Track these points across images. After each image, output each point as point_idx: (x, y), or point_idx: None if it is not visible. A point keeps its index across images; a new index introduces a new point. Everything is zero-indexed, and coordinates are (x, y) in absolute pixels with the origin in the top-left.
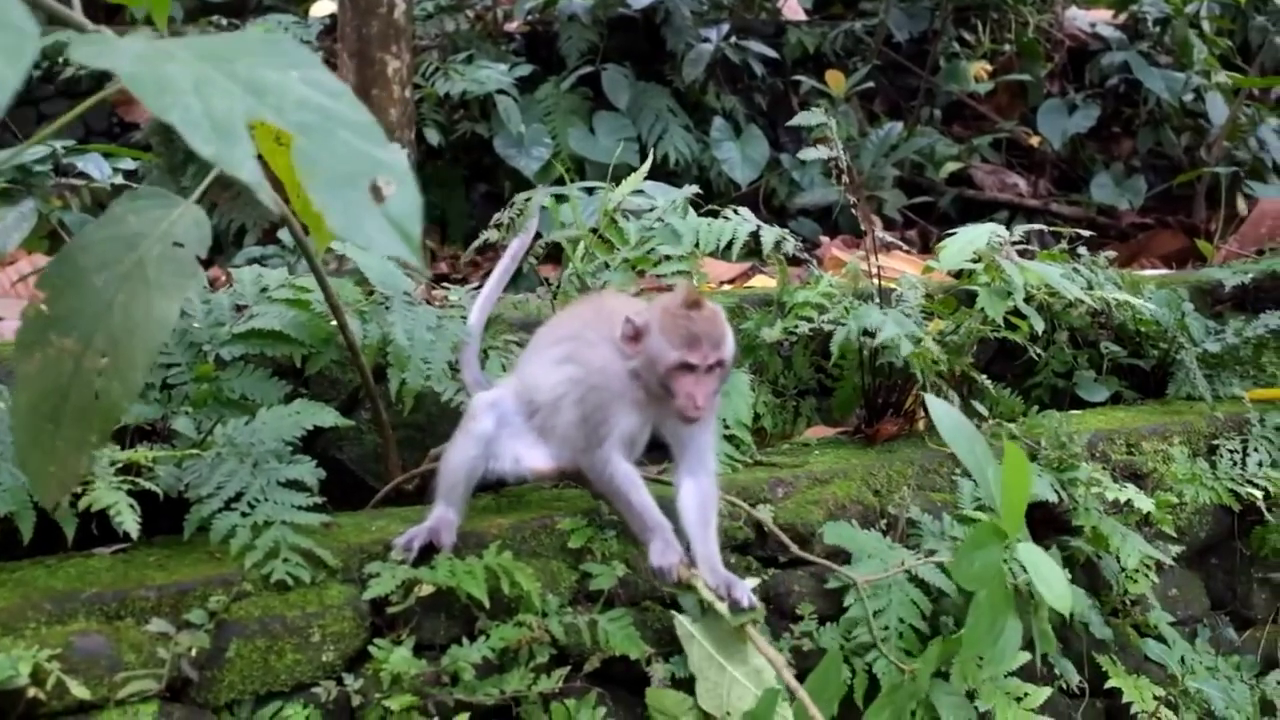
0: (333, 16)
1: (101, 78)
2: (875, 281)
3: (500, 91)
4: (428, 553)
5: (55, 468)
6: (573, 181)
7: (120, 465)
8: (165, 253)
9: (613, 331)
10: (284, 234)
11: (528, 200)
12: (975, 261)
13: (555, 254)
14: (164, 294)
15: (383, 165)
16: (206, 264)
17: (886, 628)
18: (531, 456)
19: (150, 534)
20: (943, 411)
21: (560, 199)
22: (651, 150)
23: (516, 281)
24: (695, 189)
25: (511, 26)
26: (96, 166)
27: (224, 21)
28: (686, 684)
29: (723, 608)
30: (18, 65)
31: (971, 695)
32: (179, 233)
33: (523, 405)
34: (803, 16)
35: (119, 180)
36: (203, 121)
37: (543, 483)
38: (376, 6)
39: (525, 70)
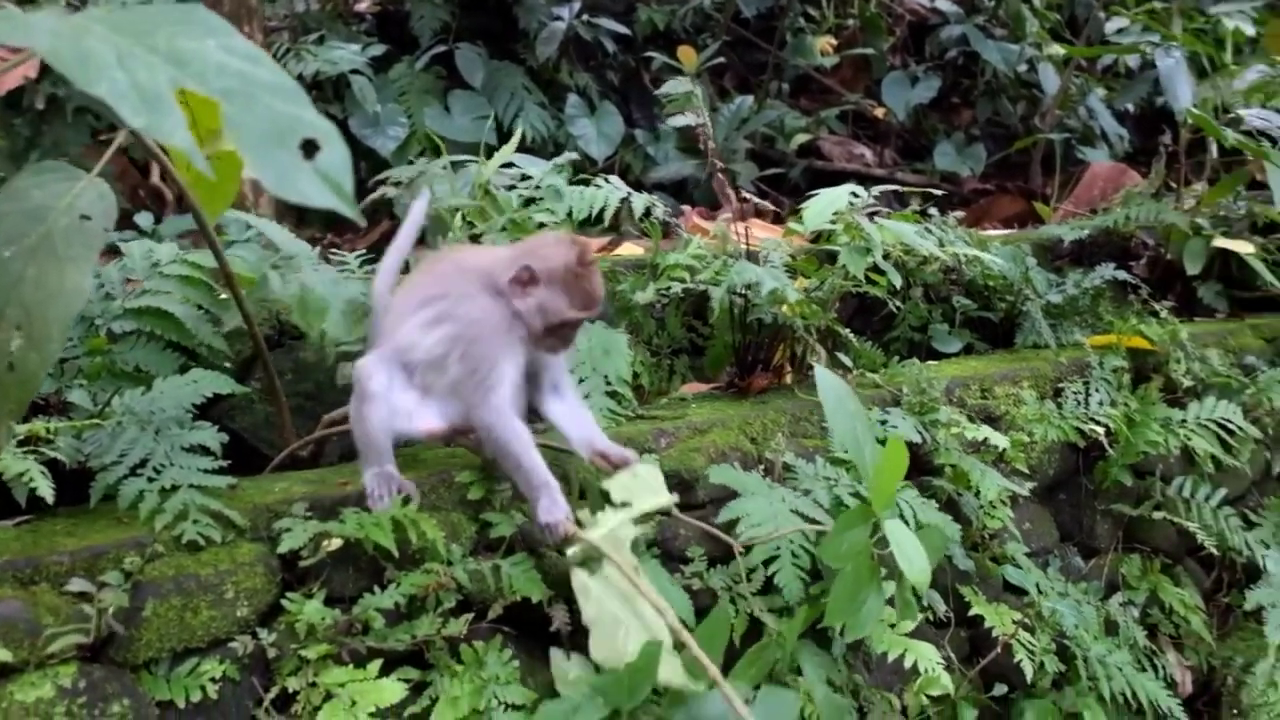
0: None
1: None
2: (744, 243)
3: (354, 71)
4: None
5: None
6: (431, 159)
7: (22, 437)
8: (72, 225)
9: (487, 282)
10: (141, 219)
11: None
12: (834, 223)
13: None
14: (75, 265)
15: (308, 124)
16: None
17: (772, 574)
18: (422, 416)
19: (53, 506)
20: (830, 386)
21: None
22: (509, 127)
23: None
24: (573, 155)
25: (361, 6)
26: None
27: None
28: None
29: (621, 558)
30: None
31: (838, 639)
32: (84, 205)
33: (400, 362)
34: None
35: None
36: (130, 94)
37: (436, 442)
38: None
39: (378, 50)
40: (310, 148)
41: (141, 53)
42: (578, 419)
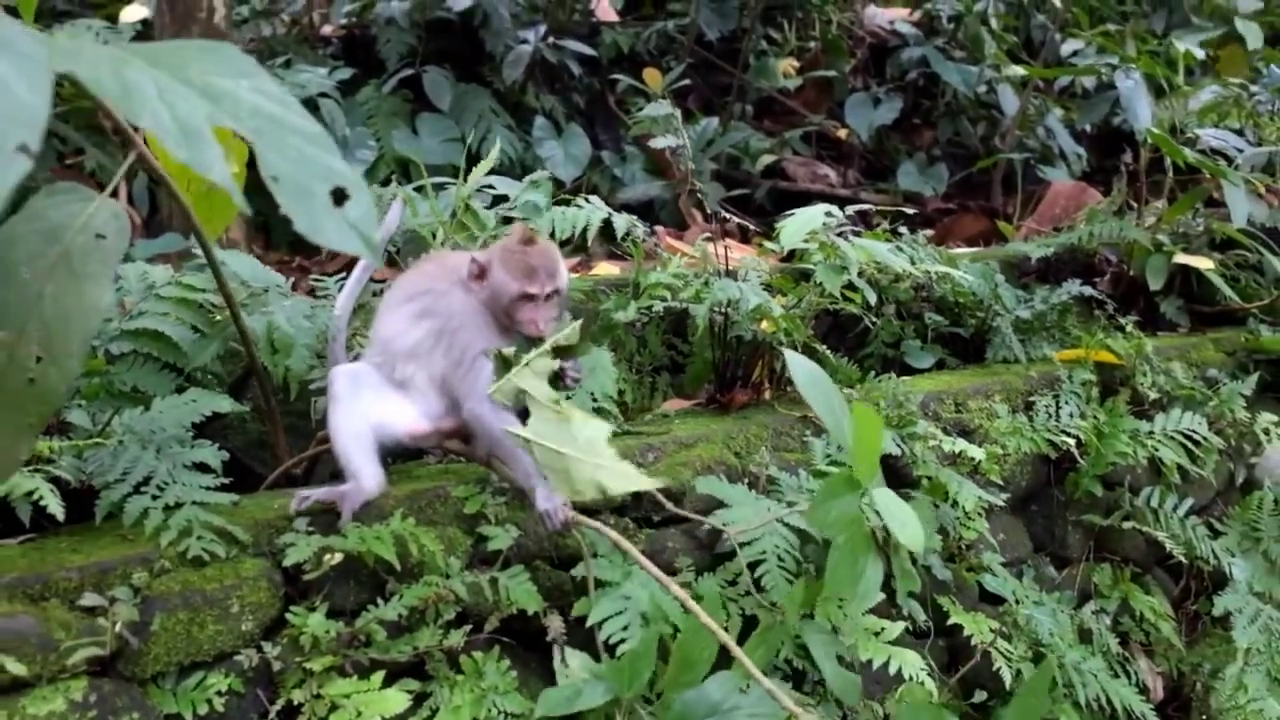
0: (145, 22)
1: None
2: (723, 262)
3: (322, 95)
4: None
5: None
6: (399, 182)
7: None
8: (89, 244)
9: (458, 278)
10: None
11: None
12: (808, 242)
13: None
14: (93, 282)
15: (338, 174)
16: None
17: (759, 577)
18: (405, 419)
19: (56, 525)
20: (800, 366)
21: (419, 190)
22: (477, 149)
23: None
24: (547, 174)
25: (328, 30)
26: None
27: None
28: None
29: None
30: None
31: (836, 632)
32: (99, 224)
33: (384, 366)
34: (615, 18)
35: None
36: (173, 127)
37: (432, 451)
38: (196, 11)
39: (346, 74)
40: (339, 195)
41: (180, 87)
42: None
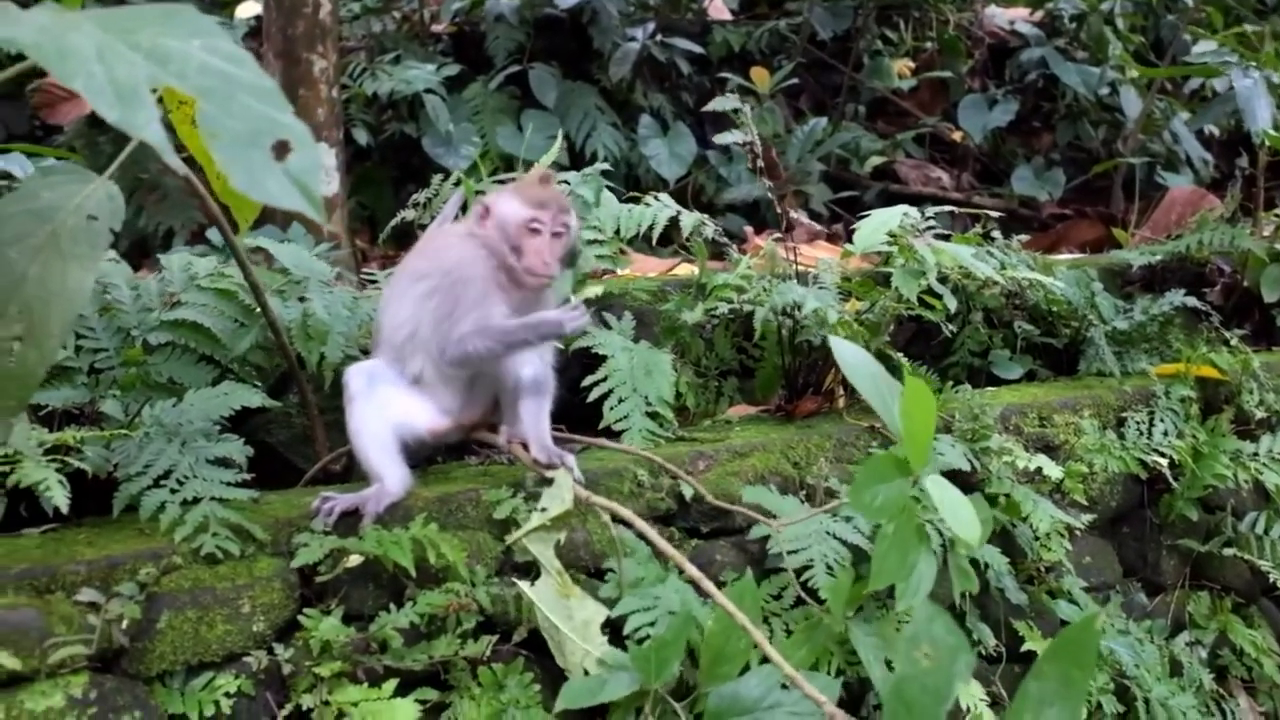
0: (258, 18)
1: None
2: (793, 262)
3: (428, 91)
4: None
5: None
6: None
7: (49, 446)
8: (79, 225)
9: (463, 232)
10: (213, 234)
11: (444, 181)
12: (889, 244)
13: None
14: (79, 264)
15: (282, 126)
16: (136, 266)
17: (805, 580)
18: (424, 416)
19: (79, 514)
20: (845, 351)
21: (477, 181)
22: (581, 147)
23: None
24: (607, 166)
25: (438, 27)
26: (20, 166)
27: None
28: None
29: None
30: None
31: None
32: (92, 206)
33: (395, 362)
34: (728, 16)
35: None
36: (106, 88)
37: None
38: (302, 6)
39: (453, 70)
40: (282, 149)
41: (123, 49)
42: (531, 414)
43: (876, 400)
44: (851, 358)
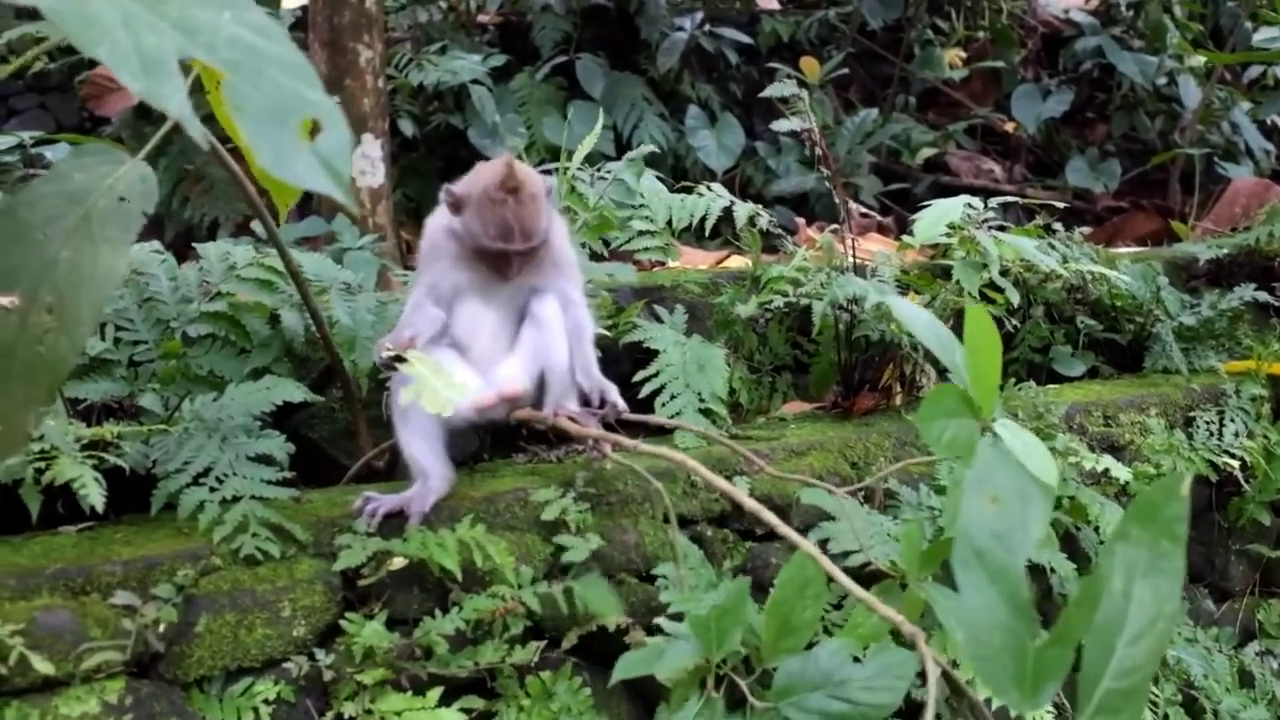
0: (304, 8)
1: (72, 71)
2: (850, 254)
3: (474, 82)
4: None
5: (3, 427)
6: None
7: (86, 442)
8: (110, 207)
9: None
10: (257, 225)
11: None
12: (949, 236)
13: None
14: (110, 247)
15: (312, 104)
16: (181, 257)
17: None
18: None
19: (118, 512)
20: (903, 306)
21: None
22: (628, 138)
23: None
24: (651, 148)
25: (485, 18)
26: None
27: None
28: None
29: None
30: None
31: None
32: (124, 188)
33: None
34: (776, 5)
35: None
36: (131, 56)
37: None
38: None
39: (499, 61)
40: (313, 128)
41: (150, 17)
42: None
43: (938, 348)
44: (911, 313)
